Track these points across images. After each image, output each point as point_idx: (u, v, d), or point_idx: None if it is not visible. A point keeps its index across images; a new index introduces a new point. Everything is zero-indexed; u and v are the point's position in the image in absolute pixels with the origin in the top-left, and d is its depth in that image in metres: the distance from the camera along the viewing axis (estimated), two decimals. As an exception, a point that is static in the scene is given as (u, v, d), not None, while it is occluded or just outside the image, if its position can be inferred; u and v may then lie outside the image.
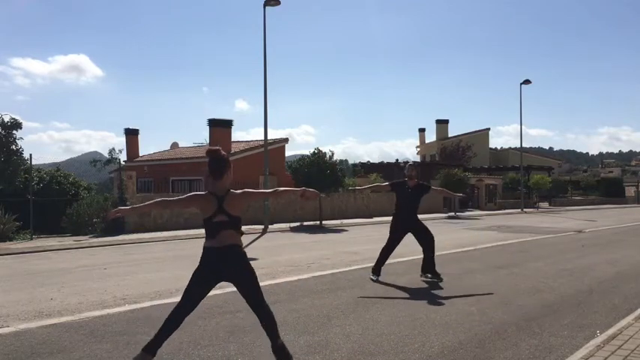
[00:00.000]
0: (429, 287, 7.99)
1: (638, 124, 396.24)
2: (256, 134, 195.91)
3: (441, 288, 7.91)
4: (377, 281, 8.36)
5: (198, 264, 4.25)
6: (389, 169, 41.03)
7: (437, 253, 12.25)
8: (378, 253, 8.76)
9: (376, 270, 8.65)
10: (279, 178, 27.07)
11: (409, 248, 10.06)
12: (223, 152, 4.29)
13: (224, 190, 4.20)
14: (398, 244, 8.76)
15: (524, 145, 52.39)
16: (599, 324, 5.84)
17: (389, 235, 8.76)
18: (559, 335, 5.41)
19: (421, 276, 8.70)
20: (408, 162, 50.44)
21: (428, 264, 8.66)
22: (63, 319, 6.02)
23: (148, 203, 4.47)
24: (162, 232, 18.62)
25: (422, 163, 50.29)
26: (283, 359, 4.25)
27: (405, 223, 8.63)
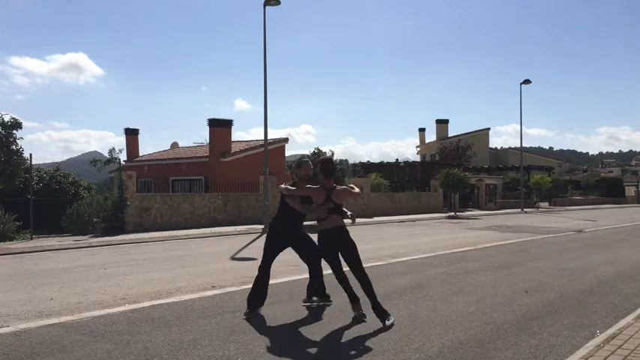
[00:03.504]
0: (430, 287, 7.99)
1: (638, 123, 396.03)
2: (256, 134, 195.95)
3: (442, 288, 7.91)
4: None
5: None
6: (389, 169, 41.03)
7: (437, 253, 12.31)
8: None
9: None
10: (279, 178, 27.05)
11: (408, 249, 10.06)
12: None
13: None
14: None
15: (524, 145, 52.39)
16: (599, 324, 5.85)
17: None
18: (559, 335, 5.41)
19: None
20: (407, 161, 50.54)
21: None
22: (63, 319, 6.01)
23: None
24: (161, 232, 18.59)
25: (422, 163, 50.33)
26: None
27: None
